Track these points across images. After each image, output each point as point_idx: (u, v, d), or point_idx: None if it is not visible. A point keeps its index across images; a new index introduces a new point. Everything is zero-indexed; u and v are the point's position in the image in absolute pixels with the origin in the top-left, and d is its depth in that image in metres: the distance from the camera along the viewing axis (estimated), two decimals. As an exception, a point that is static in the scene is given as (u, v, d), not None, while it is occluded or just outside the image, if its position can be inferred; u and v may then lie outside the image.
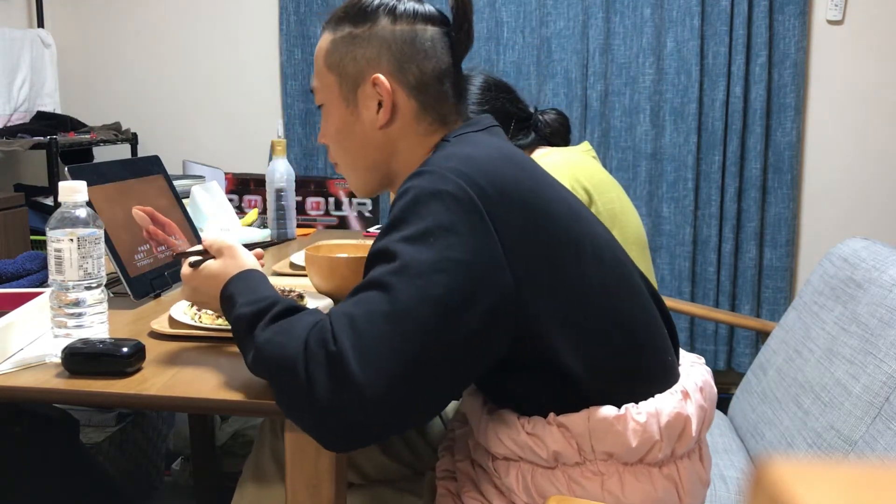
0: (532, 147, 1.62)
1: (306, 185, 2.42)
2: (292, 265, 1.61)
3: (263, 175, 2.23)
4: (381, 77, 0.98)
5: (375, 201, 2.49)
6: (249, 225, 1.95)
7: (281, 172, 1.94)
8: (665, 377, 0.96)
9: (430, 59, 0.99)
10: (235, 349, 1.08)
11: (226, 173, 2.42)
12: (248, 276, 0.97)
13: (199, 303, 1.04)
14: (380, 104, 1.00)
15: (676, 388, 0.95)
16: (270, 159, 1.99)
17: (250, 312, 0.89)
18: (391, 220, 0.86)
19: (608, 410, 0.88)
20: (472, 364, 0.84)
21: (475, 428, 0.98)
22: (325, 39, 1.04)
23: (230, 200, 2.19)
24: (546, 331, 0.86)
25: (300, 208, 2.32)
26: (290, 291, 1.26)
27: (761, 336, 1.94)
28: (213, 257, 1.02)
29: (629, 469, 0.90)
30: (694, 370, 1.01)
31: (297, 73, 2.90)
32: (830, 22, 2.67)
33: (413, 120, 1.01)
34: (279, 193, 1.95)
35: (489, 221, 0.83)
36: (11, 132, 2.62)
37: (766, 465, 0.27)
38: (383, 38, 0.99)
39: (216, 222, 1.82)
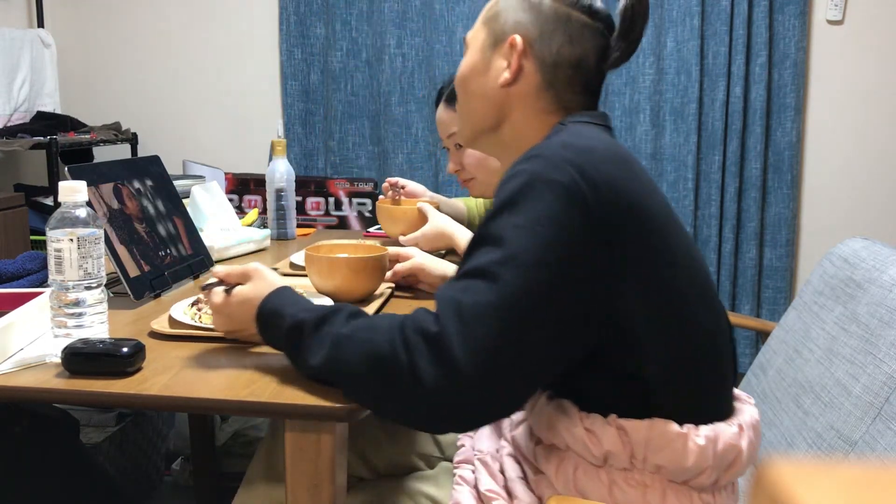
0: None
1: (306, 185, 2.42)
2: (292, 265, 1.61)
3: (263, 175, 2.23)
4: (519, 40, 1.01)
5: (374, 203, 2.48)
6: (249, 225, 1.95)
7: (281, 172, 1.94)
8: (726, 405, 0.97)
9: (573, 46, 1.02)
10: (235, 349, 1.08)
11: (226, 173, 2.42)
12: (286, 291, 0.99)
13: (234, 331, 1.04)
14: (508, 64, 1.03)
15: (734, 420, 0.95)
16: (270, 159, 1.99)
17: (313, 317, 0.90)
18: (503, 201, 0.86)
19: (672, 425, 0.88)
20: (564, 358, 0.87)
21: (528, 408, 0.98)
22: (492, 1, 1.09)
23: (230, 200, 2.19)
24: (633, 335, 0.87)
25: (300, 208, 2.32)
26: (290, 291, 1.26)
27: (761, 336, 1.94)
28: (238, 284, 1.03)
29: (672, 487, 0.90)
30: (745, 408, 1.01)
31: (297, 73, 2.90)
32: (830, 22, 2.67)
33: (534, 92, 1.03)
34: (279, 193, 1.95)
35: (598, 219, 0.84)
36: (11, 132, 2.62)
37: (766, 465, 0.27)
38: (540, 9, 1.02)
39: (216, 222, 1.82)
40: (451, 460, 1.27)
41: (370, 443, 1.32)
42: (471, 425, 0.85)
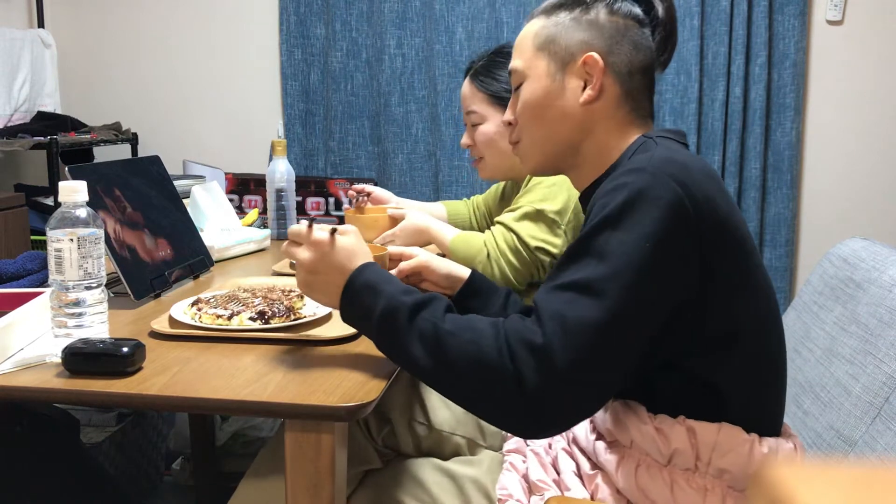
0: None
1: (306, 185, 2.42)
2: (292, 265, 1.62)
3: (263, 175, 2.23)
4: (595, 55, 1.03)
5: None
6: (249, 225, 1.95)
7: (281, 172, 1.94)
8: (781, 422, 1.00)
9: (638, 52, 1.04)
10: (235, 349, 1.08)
11: (226, 173, 2.42)
12: (376, 267, 0.99)
13: (311, 281, 1.01)
14: (586, 84, 1.04)
15: (790, 439, 0.98)
16: (270, 159, 1.99)
17: (411, 302, 0.91)
18: (606, 214, 0.87)
19: (740, 431, 0.91)
20: (651, 364, 0.91)
21: None
22: (535, 24, 1.09)
23: (230, 200, 2.19)
24: (714, 347, 0.90)
25: (300, 208, 2.32)
26: (291, 291, 1.26)
27: (761, 336, 1.94)
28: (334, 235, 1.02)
29: (732, 494, 0.91)
30: (792, 433, 1.03)
31: (297, 73, 2.90)
32: (830, 22, 2.67)
33: (614, 104, 1.04)
34: (279, 193, 1.95)
35: (699, 236, 0.86)
36: (12, 132, 2.62)
37: (766, 465, 0.27)
38: (599, 24, 1.04)
39: (216, 222, 1.82)
40: (493, 449, 1.28)
41: (421, 412, 1.32)
42: (562, 429, 0.89)
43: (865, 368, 1.28)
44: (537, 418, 0.84)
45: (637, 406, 0.94)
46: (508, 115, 1.13)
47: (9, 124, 2.74)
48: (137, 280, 1.33)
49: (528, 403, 0.83)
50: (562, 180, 1.51)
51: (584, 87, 1.04)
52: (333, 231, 1.01)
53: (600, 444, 0.97)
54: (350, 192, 1.88)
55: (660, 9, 1.06)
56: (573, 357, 0.81)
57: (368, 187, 1.87)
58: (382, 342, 0.94)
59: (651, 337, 0.86)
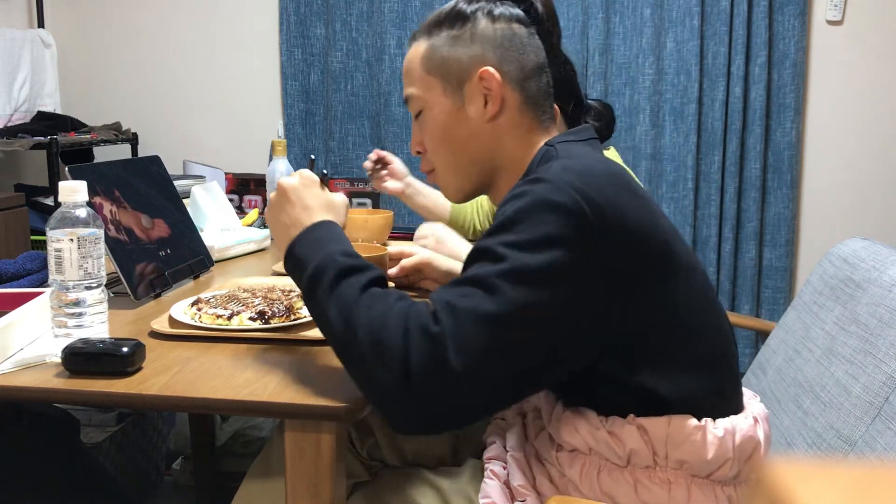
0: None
1: (306, 185, 2.42)
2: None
3: (263, 175, 2.23)
4: (490, 69, 1.02)
5: (375, 202, 2.48)
6: (249, 225, 1.95)
7: (281, 172, 1.94)
8: (738, 400, 0.99)
9: (528, 55, 1.04)
10: (235, 349, 1.08)
11: (226, 173, 2.42)
12: (335, 227, 0.99)
13: (284, 201, 1.02)
14: (486, 99, 1.03)
15: (748, 412, 0.97)
16: (270, 159, 1.99)
17: (344, 265, 0.89)
18: (503, 220, 0.87)
19: (689, 420, 0.90)
20: (556, 374, 0.88)
21: (547, 417, 0.99)
22: (419, 47, 1.07)
23: (230, 200, 2.18)
24: (637, 349, 0.89)
25: (300, 208, 2.31)
26: (291, 291, 1.26)
27: (761, 336, 1.94)
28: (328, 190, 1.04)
29: (696, 482, 0.92)
30: (753, 402, 1.03)
31: (297, 73, 2.90)
32: (830, 22, 2.67)
33: (517, 113, 1.04)
34: (279, 193, 1.94)
35: (599, 240, 0.85)
36: (12, 132, 2.62)
37: (766, 465, 0.27)
38: (484, 35, 1.03)
39: (216, 222, 1.82)
40: (476, 456, 1.28)
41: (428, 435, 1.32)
42: (442, 427, 0.85)
43: (865, 368, 1.28)
44: (417, 411, 0.81)
45: (587, 412, 0.93)
46: (415, 145, 1.11)
47: (9, 124, 2.74)
48: (137, 280, 1.33)
49: (410, 390, 0.80)
50: None
51: (486, 103, 1.03)
52: (325, 175, 1.04)
53: (563, 455, 0.96)
54: (366, 162, 1.80)
55: (538, 4, 1.05)
56: (464, 349, 0.79)
57: (389, 156, 1.80)
58: (307, 297, 0.93)
59: (556, 343, 0.84)
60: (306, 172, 1.04)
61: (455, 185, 1.10)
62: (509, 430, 1.11)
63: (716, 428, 0.91)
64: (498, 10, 1.04)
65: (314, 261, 0.92)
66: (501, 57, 1.03)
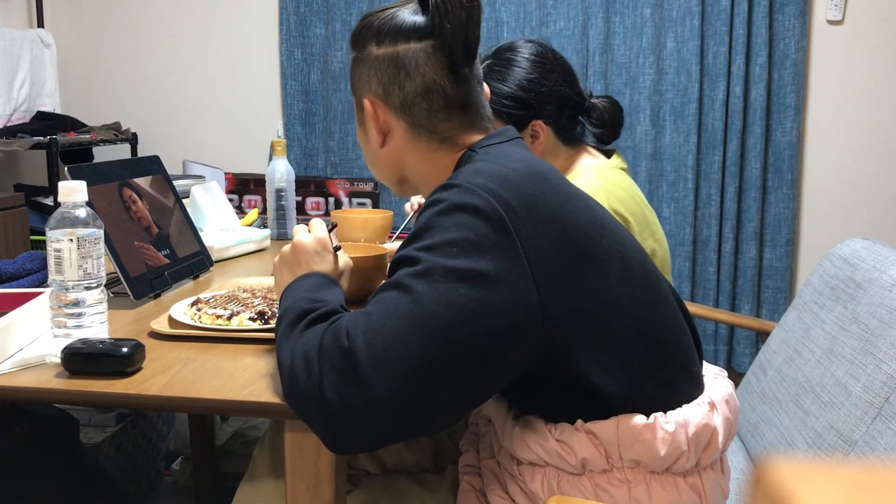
0: (579, 145, 1.55)
1: (306, 185, 2.43)
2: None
3: (263, 175, 2.23)
4: (367, 101, 1.03)
5: (375, 202, 2.49)
6: (249, 225, 1.95)
7: (281, 172, 1.94)
8: (692, 389, 0.97)
9: (412, 78, 1.00)
10: (235, 349, 1.08)
11: (226, 173, 2.42)
12: (325, 279, 1.00)
13: (292, 256, 1.04)
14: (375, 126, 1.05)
15: (703, 399, 0.96)
16: (270, 159, 1.99)
17: (301, 310, 0.90)
18: (417, 229, 0.87)
19: (637, 419, 0.89)
20: (491, 378, 0.84)
21: (500, 432, 0.98)
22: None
23: (230, 200, 2.19)
24: (572, 347, 0.86)
25: (300, 208, 2.32)
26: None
27: (761, 336, 1.94)
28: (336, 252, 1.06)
29: (656, 477, 0.91)
30: (718, 382, 1.02)
31: (297, 73, 2.90)
32: (830, 22, 2.67)
33: (408, 138, 1.03)
34: (279, 193, 1.95)
35: (516, 238, 0.84)
36: (11, 132, 2.62)
37: (766, 465, 0.27)
38: (371, 62, 1.03)
39: (216, 222, 1.82)
40: (454, 462, 1.27)
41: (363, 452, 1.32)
42: (375, 442, 0.81)
43: (865, 368, 1.28)
44: (341, 425, 0.79)
45: (536, 422, 0.92)
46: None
47: (8, 124, 2.74)
48: (137, 280, 1.33)
49: (329, 408, 0.78)
50: (598, 187, 1.47)
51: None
52: (338, 248, 1.06)
53: (524, 468, 0.95)
54: (406, 206, 1.76)
55: (438, 15, 0.98)
56: (378, 357, 0.77)
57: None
58: (278, 337, 0.93)
59: (478, 347, 0.80)
60: (321, 233, 1.05)
61: (394, 189, 1.13)
62: (482, 438, 1.11)
63: (667, 422, 0.90)
64: (386, 27, 1.01)
65: (281, 308, 0.94)
66: (386, 85, 1.01)
